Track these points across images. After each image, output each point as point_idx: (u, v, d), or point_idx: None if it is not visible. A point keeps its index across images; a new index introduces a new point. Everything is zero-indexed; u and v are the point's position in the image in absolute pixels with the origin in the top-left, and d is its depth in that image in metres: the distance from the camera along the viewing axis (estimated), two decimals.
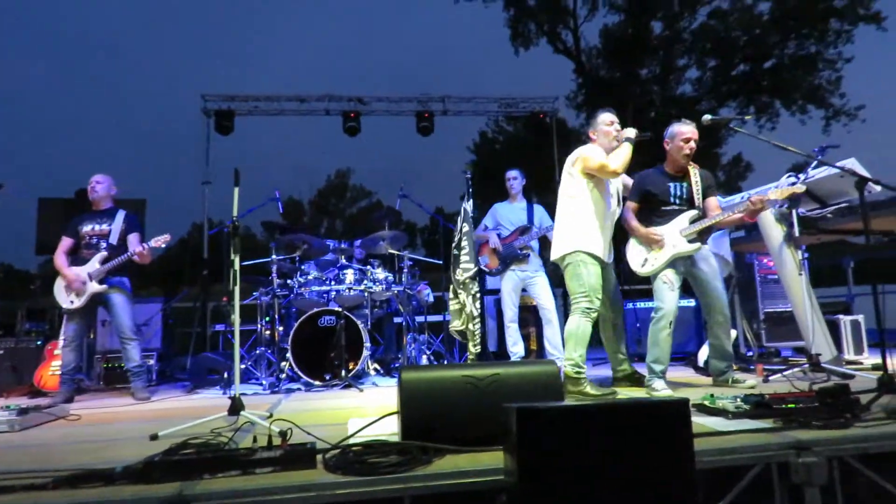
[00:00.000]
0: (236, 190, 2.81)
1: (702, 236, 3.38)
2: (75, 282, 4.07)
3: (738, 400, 2.52)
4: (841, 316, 4.47)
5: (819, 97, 18.45)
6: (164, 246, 4.11)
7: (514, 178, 4.85)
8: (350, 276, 4.82)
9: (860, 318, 4.47)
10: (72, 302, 4.08)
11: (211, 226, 8.23)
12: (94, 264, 4.12)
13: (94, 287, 4.08)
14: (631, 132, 3.38)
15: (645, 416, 1.36)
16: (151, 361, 5.24)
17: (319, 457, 1.93)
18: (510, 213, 4.80)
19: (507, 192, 4.88)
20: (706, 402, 2.56)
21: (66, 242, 4.26)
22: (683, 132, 3.42)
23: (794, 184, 3.41)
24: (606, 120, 3.47)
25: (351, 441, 2.11)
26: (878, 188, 3.25)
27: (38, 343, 5.16)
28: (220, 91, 8.55)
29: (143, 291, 7.86)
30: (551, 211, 4.86)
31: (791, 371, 3.58)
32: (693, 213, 3.38)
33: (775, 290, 4.81)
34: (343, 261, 5.02)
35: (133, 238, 4.26)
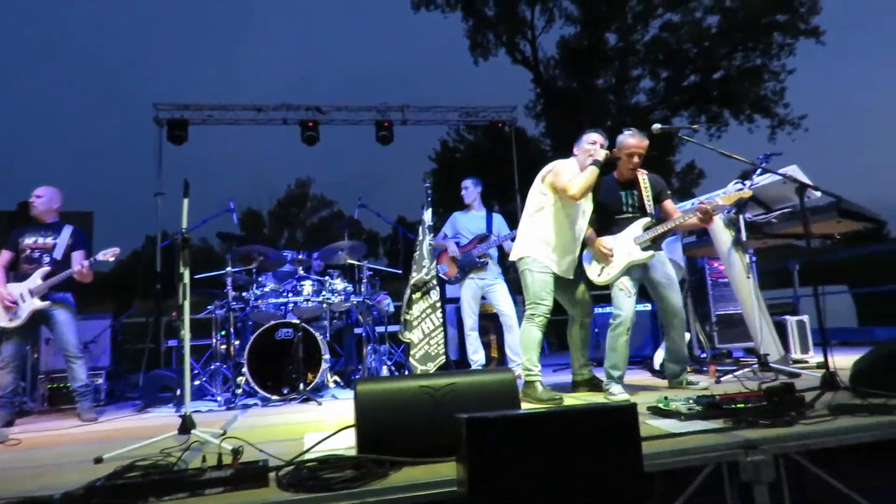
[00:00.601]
0: (185, 201, 2.72)
1: (655, 243, 3.46)
2: (5, 299, 3.85)
3: (691, 401, 2.58)
4: (787, 317, 4.65)
5: (765, 107, 19.29)
6: (112, 259, 3.95)
7: (466, 188, 4.87)
8: (308, 287, 4.73)
9: (805, 318, 4.66)
10: (10, 320, 3.87)
11: (164, 238, 7.97)
12: (36, 280, 3.92)
13: (34, 304, 3.88)
14: (601, 154, 3.40)
15: (593, 423, 1.37)
16: (100, 380, 5.02)
17: (272, 474, 1.88)
18: (469, 221, 4.82)
19: (465, 201, 4.89)
20: (660, 405, 2.61)
21: (4, 256, 4.04)
22: (629, 145, 3.47)
23: (740, 189, 3.54)
24: (590, 139, 3.50)
25: (306, 457, 2.06)
26: (818, 194, 3.39)
27: None
28: (172, 100, 8.34)
29: (95, 308, 7.55)
30: (510, 220, 4.92)
31: (741, 371, 3.69)
32: (646, 220, 3.46)
33: (726, 293, 4.96)
34: (301, 272, 4.93)
35: (77, 255, 4.06)
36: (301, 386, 4.22)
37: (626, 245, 3.43)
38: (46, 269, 3.94)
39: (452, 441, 2.01)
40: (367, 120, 8.87)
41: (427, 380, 2.13)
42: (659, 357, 4.41)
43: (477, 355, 4.67)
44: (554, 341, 9.18)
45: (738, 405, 2.41)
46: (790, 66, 18.67)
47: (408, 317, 3.85)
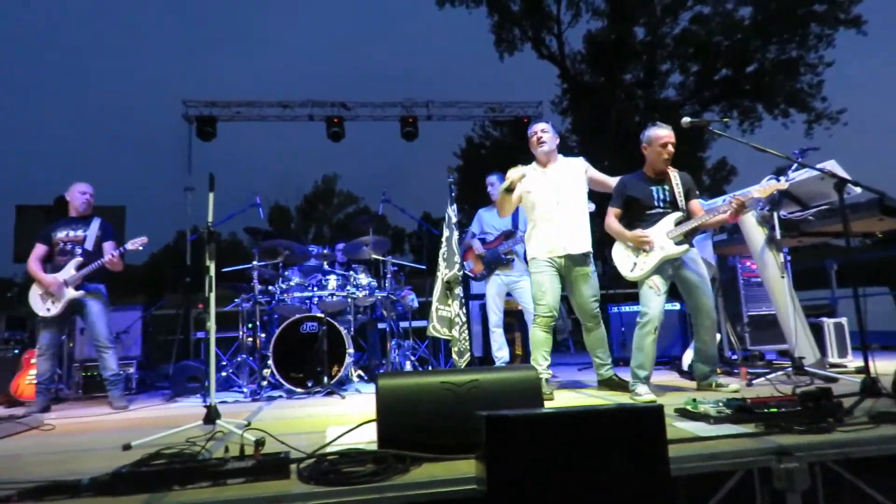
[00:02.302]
0: (211, 195, 2.75)
1: (687, 238, 3.37)
2: (53, 285, 3.98)
3: (720, 404, 2.51)
4: (824, 319, 4.48)
5: (801, 101, 18.68)
6: (141, 248, 4.04)
7: (492, 185, 4.81)
8: (333, 281, 4.75)
9: (843, 320, 4.49)
10: (48, 309, 3.99)
11: (194, 232, 8.12)
12: (70, 270, 4.03)
13: (70, 293, 3.99)
14: (504, 186, 3.60)
15: (618, 424, 1.32)
16: (131, 370, 5.14)
17: (293, 466, 1.88)
18: (494, 218, 4.77)
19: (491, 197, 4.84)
20: (688, 407, 2.54)
21: (39, 249, 4.17)
22: (661, 136, 3.41)
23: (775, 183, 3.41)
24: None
25: (327, 450, 2.06)
26: (858, 190, 3.26)
27: (16, 352, 5.03)
28: (201, 97, 8.46)
29: (127, 299, 7.75)
30: None
31: (775, 375, 3.57)
32: (678, 214, 3.37)
33: (758, 293, 4.82)
34: (326, 266, 4.96)
35: (108, 246, 4.18)
36: (325, 379, 4.24)
37: (658, 239, 3.34)
38: (79, 259, 4.05)
39: (473, 438, 1.98)
40: (392, 116, 8.87)
41: (449, 376, 2.10)
42: (688, 358, 4.31)
43: (501, 352, 4.63)
44: (579, 340, 9.07)
45: (771, 409, 2.33)
46: (829, 57, 18.03)
47: (445, 313, 3.84)
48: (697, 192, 3.54)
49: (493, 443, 1.20)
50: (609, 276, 6.39)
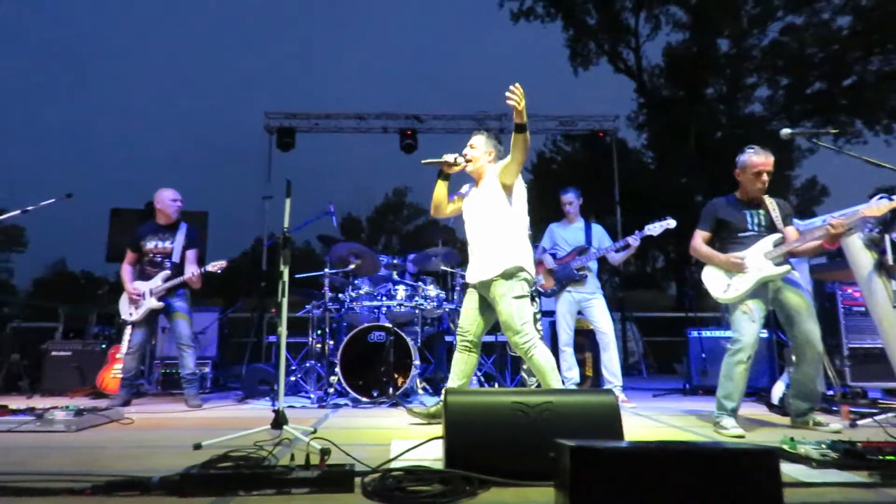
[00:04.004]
0: (288, 201, 2.79)
1: (786, 260, 3.09)
2: (133, 294, 4.28)
3: (824, 446, 2.25)
4: None
5: None
6: (219, 272, 4.27)
7: (570, 203, 4.64)
8: (401, 292, 4.75)
9: None
10: (130, 314, 4.28)
11: (270, 238, 8.42)
12: (157, 282, 4.30)
13: (152, 303, 4.24)
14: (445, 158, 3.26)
15: (723, 465, 1.15)
16: (206, 369, 5.34)
17: (358, 480, 1.83)
18: (567, 233, 4.62)
19: (565, 214, 4.68)
20: (785, 447, 2.30)
21: (130, 256, 4.45)
22: (755, 164, 3.15)
23: (887, 201, 3.07)
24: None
25: (392, 465, 2.00)
26: None
27: (103, 346, 5.36)
28: (282, 108, 8.80)
29: (206, 301, 8.13)
30: (611, 232, 4.65)
31: (885, 416, 3.20)
32: (777, 235, 3.11)
33: (861, 324, 4.39)
34: (395, 276, 4.96)
35: (190, 255, 4.40)
36: (390, 390, 4.22)
37: (755, 260, 3.08)
38: (167, 272, 4.32)
39: (546, 465, 1.86)
40: (465, 129, 8.86)
41: (521, 396, 2.00)
42: (778, 390, 3.95)
43: (571, 373, 4.44)
44: (653, 364, 8.64)
45: (887, 456, 2.05)
46: None
47: None
48: (794, 221, 3.26)
49: (578, 476, 1.08)
50: (689, 298, 6.03)
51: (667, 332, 11.13)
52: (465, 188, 3.42)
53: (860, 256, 3.58)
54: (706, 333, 5.28)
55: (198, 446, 2.51)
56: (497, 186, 3.20)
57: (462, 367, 3.29)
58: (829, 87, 17.93)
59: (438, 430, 3.12)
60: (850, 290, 4.42)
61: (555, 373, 3.04)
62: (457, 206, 3.41)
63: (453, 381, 3.29)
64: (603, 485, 1.06)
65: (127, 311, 4.30)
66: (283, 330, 2.73)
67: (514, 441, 1.90)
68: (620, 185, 9.24)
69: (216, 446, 2.49)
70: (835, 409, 3.82)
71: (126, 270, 4.39)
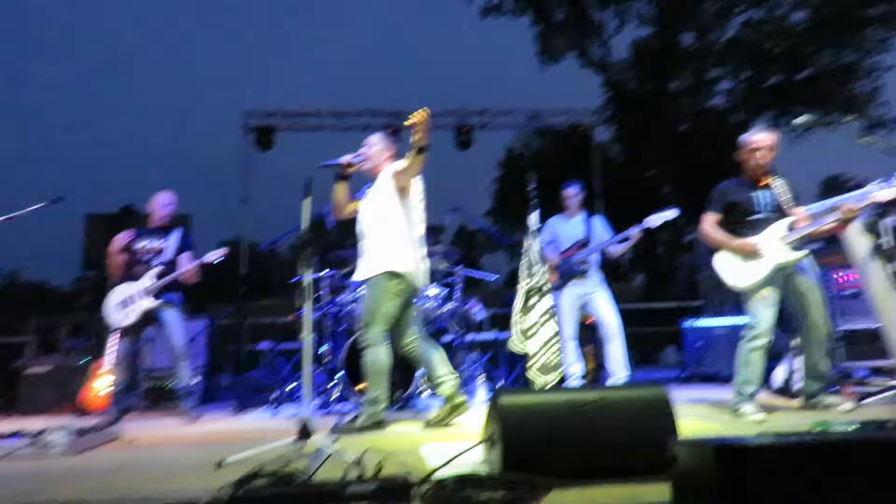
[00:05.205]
0: (305, 202, 2.67)
1: (802, 244, 3.13)
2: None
3: (854, 427, 2.27)
4: None
5: (857, 107, 17.90)
6: (216, 261, 4.05)
7: (573, 196, 4.63)
8: None
9: None
10: (124, 319, 4.00)
11: (249, 243, 8.19)
12: (148, 280, 4.04)
13: (147, 303, 3.99)
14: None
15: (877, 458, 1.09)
16: (199, 379, 5.13)
17: (413, 491, 1.75)
18: (567, 227, 4.60)
19: (567, 208, 4.65)
20: (821, 429, 2.31)
21: (118, 258, 4.20)
22: (750, 142, 3.22)
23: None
24: None
25: (444, 473, 1.92)
26: None
27: (84, 361, 5.09)
28: (260, 107, 8.55)
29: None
30: (610, 224, 4.66)
31: (887, 394, 3.28)
32: (790, 219, 3.14)
33: (851, 306, 4.52)
34: None
35: (185, 257, 4.18)
36: (395, 394, 4.12)
37: (771, 245, 3.11)
38: (158, 269, 4.06)
39: (605, 461, 1.83)
40: (446, 125, 8.79)
41: (574, 393, 1.96)
42: (780, 374, 4.04)
43: (575, 367, 4.43)
44: (635, 354, 8.74)
45: None
46: (888, 62, 17.29)
47: (523, 325, 3.65)
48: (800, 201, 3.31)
49: (727, 479, 1.01)
50: (681, 286, 6.12)
51: (643, 322, 11.32)
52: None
53: (858, 241, 3.68)
54: (701, 322, 5.37)
55: (220, 464, 2.38)
56: (390, 187, 3.30)
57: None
58: (786, 80, 18.56)
59: (461, 431, 3.08)
60: (840, 274, 4.54)
61: (378, 376, 3.23)
62: (357, 206, 3.46)
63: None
64: (755, 485, 1.00)
65: (120, 317, 4.03)
66: (307, 335, 2.62)
67: (570, 440, 1.86)
68: (589, 178, 9.31)
69: (240, 462, 2.37)
70: (831, 389, 3.91)
71: (116, 249, 4.19)
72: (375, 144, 3.41)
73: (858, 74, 17.71)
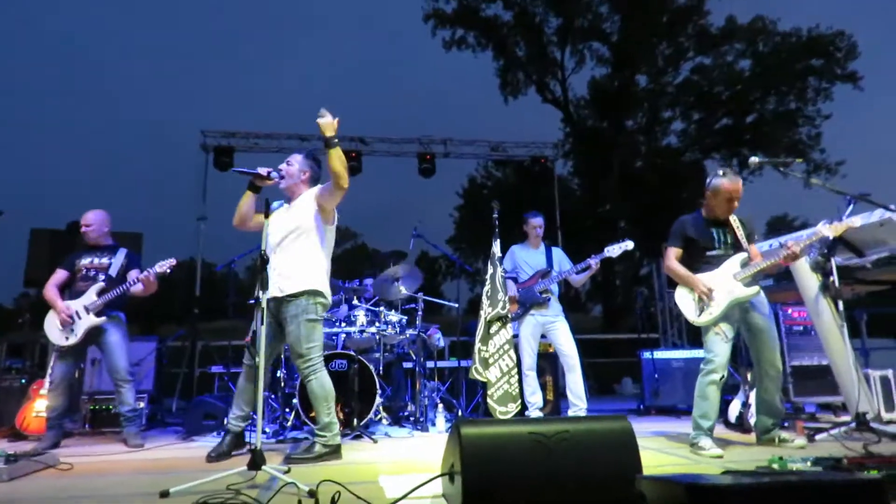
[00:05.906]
0: (267, 221, 2.61)
1: (755, 280, 3.24)
2: (63, 312, 3.77)
3: (809, 464, 2.34)
4: (869, 370, 4.34)
5: (799, 152, 18.98)
6: (168, 271, 3.85)
7: (539, 226, 4.68)
8: (362, 317, 4.57)
9: (889, 372, 4.34)
10: (66, 338, 3.76)
11: (205, 263, 7.94)
12: (91, 296, 3.82)
13: (90, 320, 3.78)
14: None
15: (839, 499, 1.12)
16: (142, 404, 4.86)
17: None
18: (529, 256, 4.65)
19: (530, 237, 4.69)
20: (775, 466, 2.37)
21: (59, 274, 3.97)
22: (727, 189, 3.26)
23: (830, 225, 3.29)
24: None
25: None
26: None
27: (22, 382, 4.77)
28: (220, 127, 8.40)
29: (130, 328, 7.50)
30: (567, 255, 4.73)
31: (837, 430, 3.39)
32: (743, 255, 3.25)
33: (801, 343, 4.70)
34: (355, 301, 4.78)
35: (132, 273, 3.98)
36: (354, 421, 4.02)
37: (725, 282, 3.20)
38: (101, 284, 3.86)
39: (568, 495, 1.81)
40: (409, 152, 8.84)
41: (537, 425, 1.93)
42: (734, 408, 4.13)
43: (535, 397, 4.42)
44: (593, 386, 8.84)
45: (871, 471, 2.15)
46: (826, 110, 18.51)
47: (484, 354, 3.63)
48: (756, 237, 3.45)
49: None
50: (640, 318, 6.24)
51: (601, 353, 11.45)
52: (275, 204, 3.40)
53: (807, 278, 3.85)
54: (658, 354, 5.47)
55: (165, 494, 2.25)
56: (313, 208, 3.28)
57: (248, 396, 3.30)
58: (735, 122, 19.59)
59: (417, 462, 3.01)
60: (790, 311, 4.73)
61: (328, 402, 3.15)
62: (260, 220, 3.26)
63: (239, 409, 3.30)
64: None
65: (61, 336, 3.77)
66: (260, 360, 2.52)
67: (534, 473, 1.83)
68: (549, 210, 9.49)
69: (186, 492, 2.24)
70: (785, 424, 4.03)
71: (52, 290, 3.88)
72: (294, 164, 3.38)
73: (799, 121, 18.86)
